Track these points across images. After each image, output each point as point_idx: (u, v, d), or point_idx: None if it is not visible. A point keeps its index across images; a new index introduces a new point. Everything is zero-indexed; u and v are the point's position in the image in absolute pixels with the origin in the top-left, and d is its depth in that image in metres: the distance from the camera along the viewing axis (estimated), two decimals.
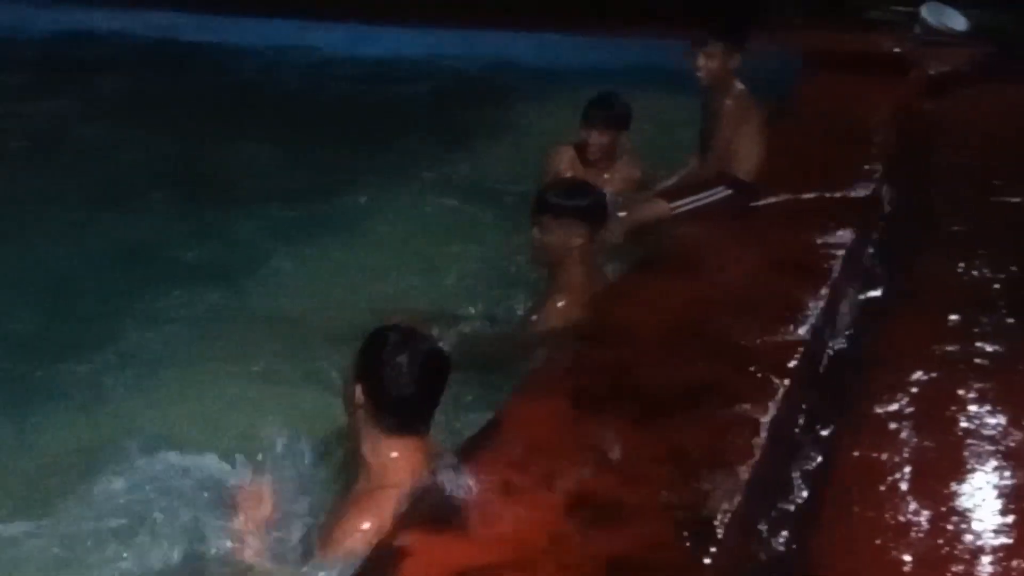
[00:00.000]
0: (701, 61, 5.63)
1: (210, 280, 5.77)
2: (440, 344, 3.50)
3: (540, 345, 4.51)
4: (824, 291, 4.88)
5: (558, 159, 6.23)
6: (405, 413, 3.32)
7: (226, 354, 4.98)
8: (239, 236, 6.45)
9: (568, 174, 5.98)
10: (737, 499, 3.25)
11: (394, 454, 3.31)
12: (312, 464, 3.59)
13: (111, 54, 10.67)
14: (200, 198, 7.09)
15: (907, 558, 3.10)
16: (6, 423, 4.36)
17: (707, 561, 2.98)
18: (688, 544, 3.03)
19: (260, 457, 3.52)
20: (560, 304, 4.69)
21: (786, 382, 4.01)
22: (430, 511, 3.15)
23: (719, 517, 3.14)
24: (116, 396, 4.60)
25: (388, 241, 6.41)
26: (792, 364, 4.14)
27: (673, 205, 5.58)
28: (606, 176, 6.06)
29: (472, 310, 5.21)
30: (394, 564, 2.89)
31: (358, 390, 3.32)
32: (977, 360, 4.29)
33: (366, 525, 3.17)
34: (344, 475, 3.57)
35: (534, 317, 4.80)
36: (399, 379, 3.27)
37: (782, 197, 5.90)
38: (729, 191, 5.60)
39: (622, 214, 5.64)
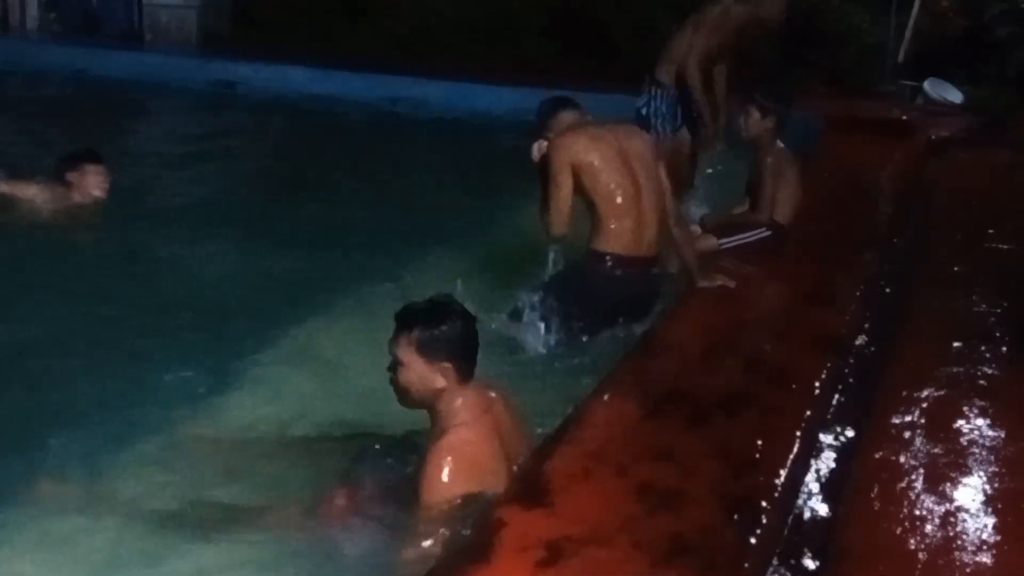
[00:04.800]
0: (744, 122, 5.68)
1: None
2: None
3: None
4: (844, 318, 4.89)
5: None
6: (467, 362, 3.32)
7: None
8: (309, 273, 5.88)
9: None
10: (776, 492, 3.28)
11: (459, 400, 3.31)
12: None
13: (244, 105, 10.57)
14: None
15: (921, 545, 3.08)
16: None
17: (752, 541, 3.00)
18: (737, 526, 3.05)
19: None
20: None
21: (814, 394, 4.03)
22: (523, 491, 3.18)
23: (762, 505, 3.17)
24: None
25: None
26: (819, 379, 4.14)
27: (721, 241, 5.58)
28: None
29: None
30: (494, 532, 2.92)
31: (448, 368, 3.27)
32: (979, 381, 4.24)
33: (450, 461, 3.19)
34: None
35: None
36: (469, 337, 3.30)
37: (809, 238, 5.89)
38: (768, 232, 5.60)
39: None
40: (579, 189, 4.74)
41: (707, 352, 4.41)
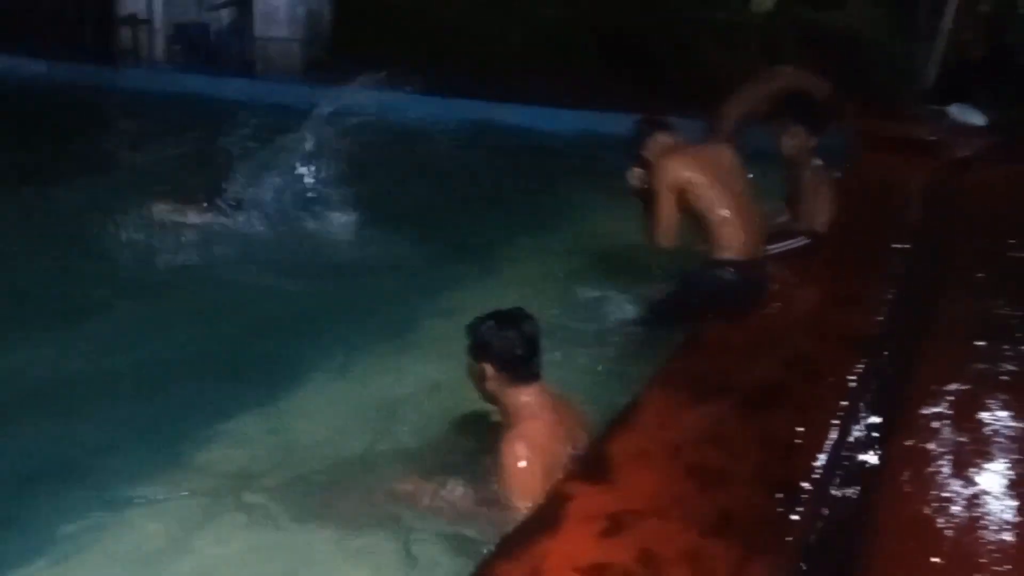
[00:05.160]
0: (786, 141, 5.60)
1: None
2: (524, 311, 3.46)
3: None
4: (874, 318, 4.82)
5: None
6: (523, 366, 3.35)
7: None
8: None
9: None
10: (814, 474, 3.25)
11: (525, 398, 3.35)
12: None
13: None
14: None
15: (947, 524, 3.09)
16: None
17: (792, 516, 3.02)
18: (778, 504, 3.08)
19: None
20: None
21: (848, 385, 4.01)
22: (586, 468, 3.25)
23: (801, 485, 3.15)
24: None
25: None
26: (852, 373, 4.12)
27: (766, 248, 5.51)
28: None
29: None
30: (561, 504, 3.01)
31: (488, 369, 3.35)
32: (1003, 377, 4.21)
33: (521, 448, 3.21)
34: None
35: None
36: (511, 346, 3.33)
37: (842, 245, 5.83)
38: (807, 240, 5.54)
39: None
40: (685, 205, 4.70)
41: (750, 348, 4.39)
